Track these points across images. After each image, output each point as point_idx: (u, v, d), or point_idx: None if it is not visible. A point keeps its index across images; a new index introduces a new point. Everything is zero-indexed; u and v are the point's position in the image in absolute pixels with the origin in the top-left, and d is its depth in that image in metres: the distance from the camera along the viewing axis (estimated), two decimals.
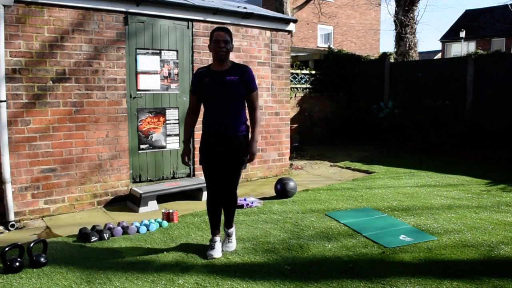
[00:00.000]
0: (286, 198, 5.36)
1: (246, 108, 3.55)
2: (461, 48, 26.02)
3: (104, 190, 5.11)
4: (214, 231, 3.66)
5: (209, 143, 3.49)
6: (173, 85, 5.59)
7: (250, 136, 3.55)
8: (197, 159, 5.85)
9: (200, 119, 3.59)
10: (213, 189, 3.58)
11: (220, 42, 3.36)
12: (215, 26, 5.84)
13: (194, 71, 5.68)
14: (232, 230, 3.73)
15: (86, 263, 3.45)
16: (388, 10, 30.26)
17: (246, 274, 3.22)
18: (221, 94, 3.38)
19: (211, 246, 3.60)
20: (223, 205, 3.65)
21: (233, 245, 3.73)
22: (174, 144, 5.67)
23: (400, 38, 12.97)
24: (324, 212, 4.75)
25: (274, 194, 5.47)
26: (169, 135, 5.62)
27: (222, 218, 3.71)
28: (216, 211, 3.65)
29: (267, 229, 4.20)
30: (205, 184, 5.34)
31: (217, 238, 3.64)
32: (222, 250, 3.63)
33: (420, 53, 22.72)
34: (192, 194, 5.40)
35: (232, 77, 3.41)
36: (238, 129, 3.46)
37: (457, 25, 29.74)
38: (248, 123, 3.57)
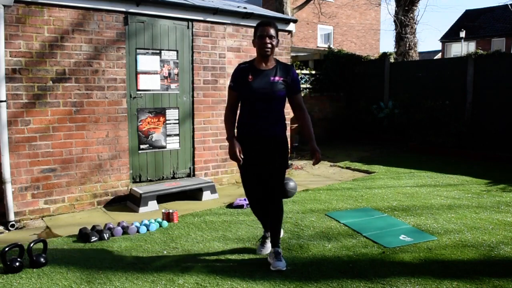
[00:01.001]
0: (286, 198, 5.35)
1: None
2: (461, 48, 26.02)
3: (104, 190, 5.11)
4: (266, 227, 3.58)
5: (246, 144, 3.26)
6: (173, 85, 5.59)
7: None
8: (197, 159, 5.86)
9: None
10: (250, 189, 3.44)
11: (265, 37, 3.15)
12: (215, 26, 5.90)
13: (194, 71, 5.73)
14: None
15: (86, 263, 3.45)
16: (388, 10, 30.27)
17: (246, 274, 3.22)
18: (264, 95, 3.19)
19: (262, 242, 3.62)
20: (271, 213, 3.39)
21: (282, 263, 3.30)
22: (174, 144, 5.67)
23: (400, 38, 12.96)
24: (324, 212, 4.75)
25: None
26: (169, 135, 5.62)
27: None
28: (262, 211, 3.51)
29: None
30: (205, 184, 5.40)
31: (269, 234, 3.53)
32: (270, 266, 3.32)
33: (420, 53, 22.72)
34: (192, 194, 5.40)
35: (276, 77, 3.22)
36: (278, 129, 3.30)
37: (457, 25, 29.74)
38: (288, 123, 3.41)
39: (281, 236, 3.59)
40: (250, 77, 3.20)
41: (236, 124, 3.36)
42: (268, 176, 3.30)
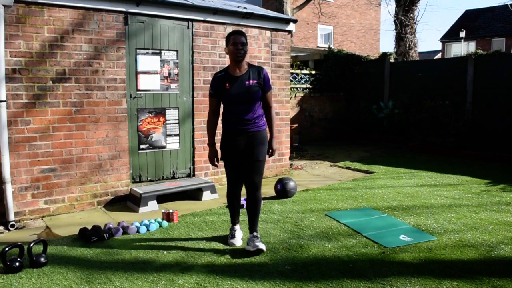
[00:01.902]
0: (286, 198, 5.36)
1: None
2: (461, 48, 26.02)
3: (104, 190, 5.11)
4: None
5: (232, 139, 3.66)
6: (173, 85, 5.59)
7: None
8: (197, 159, 5.86)
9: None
10: (235, 181, 3.80)
11: (238, 44, 3.51)
12: (215, 26, 5.90)
13: (194, 71, 5.73)
14: None
15: (86, 263, 3.45)
16: (388, 10, 30.24)
17: (246, 274, 3.22)
18: (242, 99, 3.56)
19: (232, 235, 3.86)
20: (249, 203, 3.78)
21: (263, 244, 3.69)
22: (174, 144, 5.67)
23: (400, 38, 12.97)
24: (324, 212, 4.75)
25: (274, 194, 5.47)
26: (169, 135, 5.62)
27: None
28: (236, 200, 3.90)
29: (267, 229, 4.20)
30: (205, 184, 5.40)
31: (237, 227, 3.92)
32: (249, 249, 3.62)
33: (420, 53, 22.73)
34: (192, 194, 5.40)
35: (250, 81, 3.58)
36: (258, 125, 3.66)
37: (457, 25, 29.74)
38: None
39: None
40: (227, 84, 3.57)
41: (222, 123, 3.75)
42: (251, 168, 3.66)
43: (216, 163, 3.75)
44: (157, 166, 5.55)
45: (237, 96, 3.56)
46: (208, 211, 4.85)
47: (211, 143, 3.73)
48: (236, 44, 3.51)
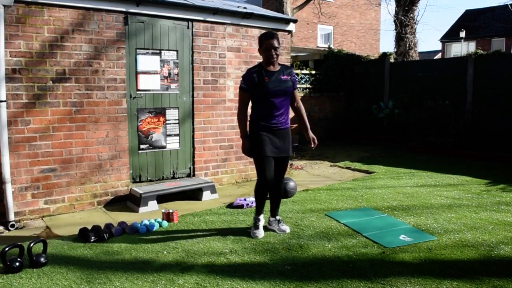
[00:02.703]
0: (286, 198, 5.35)
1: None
2: (461, 48, 26.03)
3: (104, 190, 5.11)
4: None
5: (268, 135, 3.82)
6: (173, 85, 5.59)
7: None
8: (197, 159, 5.86)
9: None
10: (270, 176, 3.89)
11: (271, 49, 3.76)
12: (215, 26, 5.90)
13: (194, 71, 5.73)
14: None
15: (86, 263, 3.45)
16: (388, 10, 30.25)
17: (246, 274, 3.21)
18: (280, 92, 3.81)
19: (257, 226, 4.03)
20: (275, 194, 4.12)
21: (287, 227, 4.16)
22: (174, 144, 5.67)
23: (400, 38, 12.96)
24: (324, 212, 4.75)
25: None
26: (169, 135, 5.62)
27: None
28: (267, 192, 4.07)
29: (267, 229, 4.20)
30: (205, 184, 5.40)
31: (262, 217, 4.08)
32: (275, 230, 4.09)
33: (420, 53, 22.71)
34: (192, 194, 5.40)
35: (285, 76, 3.86)
36: (287, 122, 3.95)
37: (457, 25, 29.75)
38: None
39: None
40: (265, 78, 3.77)
41: (250, 119, 3.93)
42: (281, 162, 3.96)
43: (254, 152, 3.84)
44: (157, 166, 5.55)
45: (275, 89, 3.77)
46: (208, 211, 4.85)
47: (246, 135, 3.87)
48: (268, 50, 3.75)
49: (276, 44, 3.76)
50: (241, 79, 3.89)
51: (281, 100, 3.83)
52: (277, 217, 4.17)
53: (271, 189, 4.05)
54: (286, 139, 3.92)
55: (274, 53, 3.77)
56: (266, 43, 3.75)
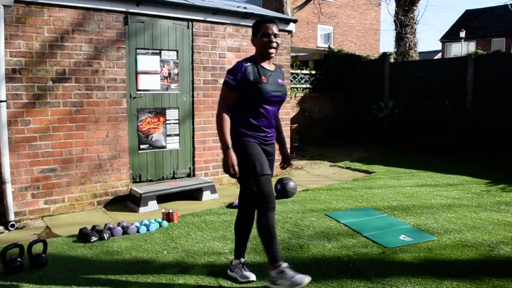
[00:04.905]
0: (286, 198, 5.36)
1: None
2: (461, 48, 26.02)
3: (104, 190, 5.11)
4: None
5: (262, 150, 2.98)
6: (173, 85, 5.59)
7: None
8: (197, 159, 5.85)
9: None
10: (273, 201, 2.98)
11: (271, 35, 2.90)
12: (215, 26, 5.90)
13: (194, 71, 5.72)
14: None
15: (86, 263, 3.45)
16: (388, 10, 30.28)
17: None
18: (277, 99, 2.99)
19: (293, 273, 2.90)
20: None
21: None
22: (174, 144, 5.67)
23: (400, 38, 12.97)
24: (324, 212, 4.75)
25: (274, 194, 5.46)
26: (169, 135, 5.62)
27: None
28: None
29: None
30: (205, 184, 5.40)
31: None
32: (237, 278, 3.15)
33: (420, 53, 22.72)
34: (192, 194, 5.40)
35: (282, 80, 3.09)
36: (274, 135, 3.14)
37: (457, 25, 29.74)
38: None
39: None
40: (263, 78, 2.91)
41: (234, 126, 2.94)
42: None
43: (237, 171, 2.84)
44: (157, 166, 5.55)
45: (274, 93, 2.95)
46: (208, 211, 4.85)
47: (227, 146, 2.83)
48: (268, 36, 2.89)
49: (276, 31, 2.91)
50: (228, 73, 2.92)
51: (275, 109, 3.02)
52: (243, 259, 3.20)
53: (249, 221, 3.15)
54: (272, 157, 3.10)
55: (274, 41, 2.91)
56: (264, 27, 2.90)
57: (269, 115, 2.98)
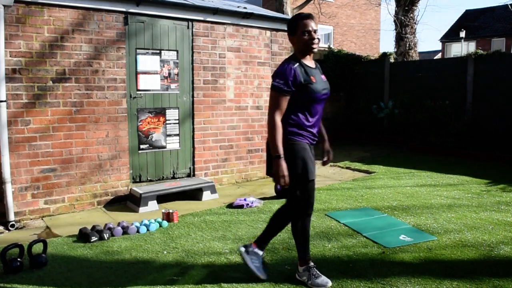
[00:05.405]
0: (286, 198, 5.34)
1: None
2: (461, 48, 26.03)
3: (104, 190, 5.11)
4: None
5: (309, 152, 2.98)
6: (173, 85, 5.59)
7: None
8: (197, 159, 5.85)
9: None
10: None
11: (311, 33, 2.86)
12: (215, 26, 5.90)
13: (194, 71, 5.72)
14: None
15: (86, 263, 3.45)
16: (388, 10, 30.24)
17: (246, 274, 3.21)
18: (326, 96, 2.97)
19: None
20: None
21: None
22: (174, 144, 5.67)
23: (400, 38, 12.97)
24: (324, 212, 4.75)
25: (274, 194, 5.47)
26: (169, 135, 5.62)
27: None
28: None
29: None
30: (205, 184, 5.40)
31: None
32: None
33: (420, 53, 22.72)
34: (192, 194, 5.40)
35: (324, 76, 3.06)
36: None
37: (457, 25, 29.75)
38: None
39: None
40: (312, 78, 2.86)
41: (284, 128, 2.85)
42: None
43: (287, 181, 2.78)
44: (157, 166, 5.55)
45: (324, 91, 2.93)
46: (208, 211, 4.85)
47: (280, 156, 2.74)
48: (309, 33, 2.84)
49: (315, 26, 2.86)
50: (276, 77, 2.82)
51: (322, 106, 2.99)
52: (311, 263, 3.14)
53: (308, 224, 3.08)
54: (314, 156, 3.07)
55: (317, 37, 2.88)
56: (303, 25, 2.83)
57: (318, 113, 2.96)
